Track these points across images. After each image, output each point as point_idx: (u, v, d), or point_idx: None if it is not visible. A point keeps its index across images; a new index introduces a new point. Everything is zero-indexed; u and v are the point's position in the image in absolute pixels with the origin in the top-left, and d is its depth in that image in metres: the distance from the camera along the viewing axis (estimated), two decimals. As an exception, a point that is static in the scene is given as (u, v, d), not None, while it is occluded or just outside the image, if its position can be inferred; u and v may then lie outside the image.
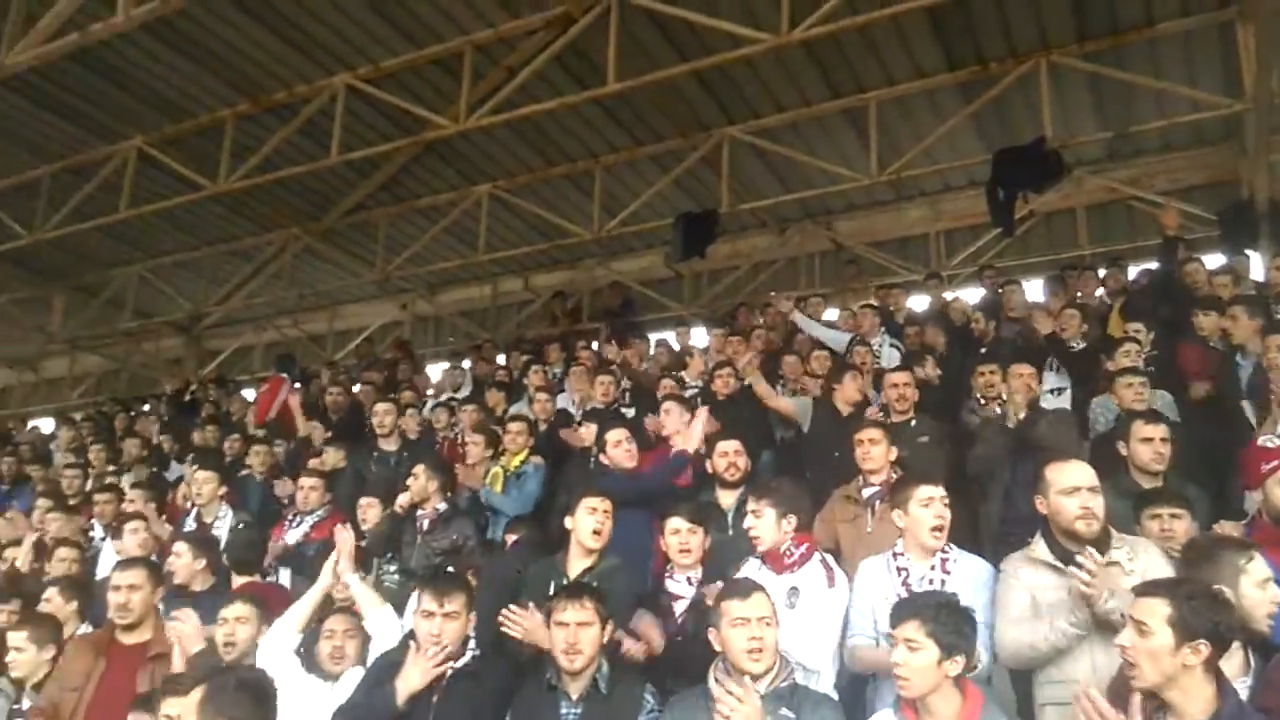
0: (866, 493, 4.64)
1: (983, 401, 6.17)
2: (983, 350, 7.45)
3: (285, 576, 5.84)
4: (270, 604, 4.30)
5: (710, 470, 5.14)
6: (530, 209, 11.68)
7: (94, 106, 10.17)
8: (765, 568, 3.77)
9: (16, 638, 4.26)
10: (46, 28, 7.83)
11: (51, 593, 4.80)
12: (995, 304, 8.52)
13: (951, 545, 3.73)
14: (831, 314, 9.85)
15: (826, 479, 5.25)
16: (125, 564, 4.33)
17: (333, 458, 7.40)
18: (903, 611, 2.87)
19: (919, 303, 9.73)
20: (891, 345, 8.14)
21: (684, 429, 6.00)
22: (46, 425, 14.83)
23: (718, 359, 8.38)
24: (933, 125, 9.75)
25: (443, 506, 5.86)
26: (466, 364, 11.12)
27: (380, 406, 7.48)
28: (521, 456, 6.43)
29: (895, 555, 3.73)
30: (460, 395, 9.48)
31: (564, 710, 3.21)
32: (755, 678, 2.94)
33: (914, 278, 11.29)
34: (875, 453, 4.69)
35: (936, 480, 3.80)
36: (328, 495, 6.35)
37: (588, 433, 6.17)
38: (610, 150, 11.10)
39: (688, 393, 7.46)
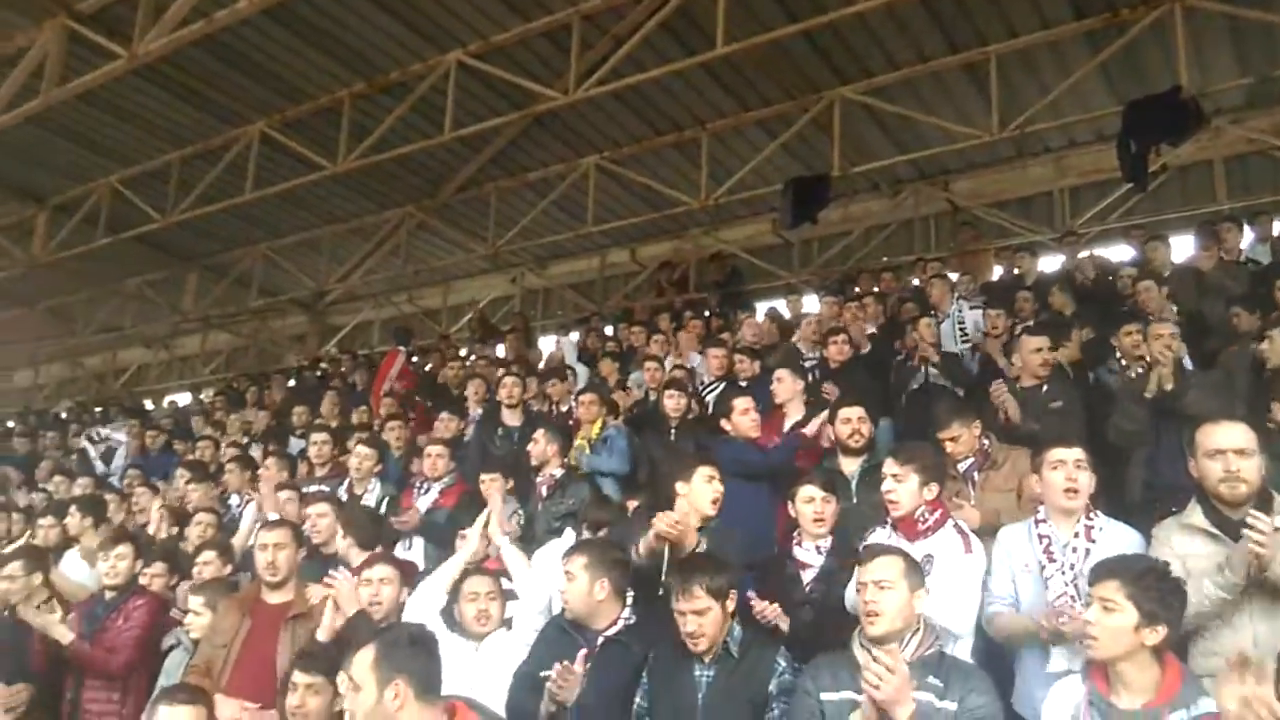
0: (962, 466, 4.50)
1: (1124, 363, 5.90)
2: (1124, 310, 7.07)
3: (418, 545, 5.99)
4: (406, 569, 4.44)
5: (833, 437, 5.06)
6: (637, 179, 11.66)
7: (219, 92, 10.59)
8: (897, 534, 3.68)
9: (195, 601, 4.48)
10: (174, 16, 8.19)
11: (209, 555, 5.05)
12: (1140, 262, 8.11)
13: (1098, 512, 3.58)
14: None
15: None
16: (272, 524, 4.50)
17: (453, 425, 7.59)
18: (1102, 570, 2.77)
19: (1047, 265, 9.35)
20: (973, 307, 7.78)
21: (796, 398, 5.97)
22: (181, 400, 15.72)
23: (831, 325, 8.26)
24: (1058, 77, 9.29)
25: (559, 472, 5.97)
26: (574, 336, 11.19)
27: (508, 379, 7.58)
28: (598, 425, 6.55)
29: (1037, 522, 3.61)
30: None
31: (697, 673, 3.22)
32: (876, 640, 2.88)
33: (1036, 238, 10.85)
34: (963, 439, 4.54)
35: (1070, 442, 3.66)
36: (452, 463, 6.51)
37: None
38: (718, 116, 10.95)
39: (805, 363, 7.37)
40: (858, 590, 2.99)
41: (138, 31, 8.54)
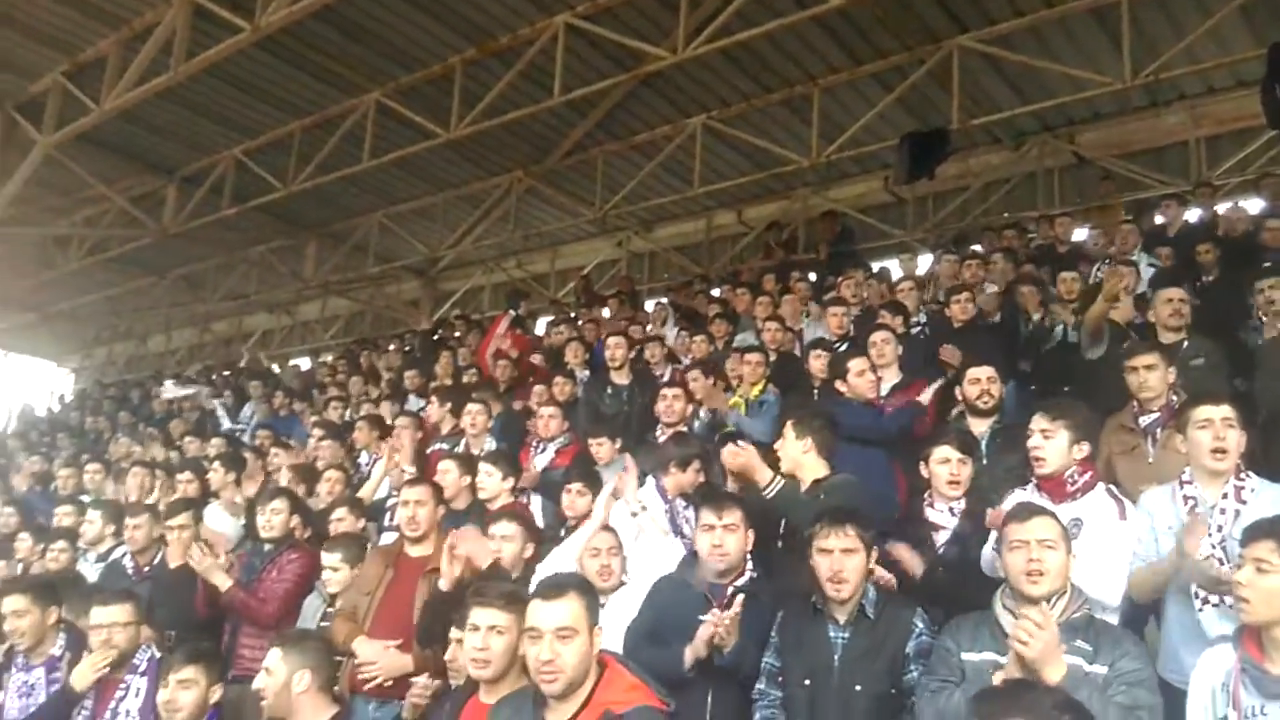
0: (1144, 420, 4.28)
1: (1263, 319, 5.56)
2: (1265, 265, 6.65)
3: (536, 502, 6.10)
4: (530, 526, 4.52)
5: (960, 398, 4.92)
6: (744, 138, 11.50)
7: (336, 62, 10.83)
8: (1041, 495, 3.55)
9: (331, 558, 4.66)
10: (296, -13, 8.39)
11: (342, 512, 5.25)
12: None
13: (1250, 473, 3.40)
14: (1080, 234, 9.14)
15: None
16: (413, 482, 4.64)
17: (567, 389, 7.69)
18: (1258, 530, 2.65)
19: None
20: (1149, 264, 7.48)
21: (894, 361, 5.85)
22: (303, 364, 16.36)
23: (951, 284, 8.02)
24: (1196, 20, 8.77)
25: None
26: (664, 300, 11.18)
27: (612, 340, 7.62)
28: (760, 386, 6.49)
29: (1182, 483, 3.46)
30: (667, 330, 9.58)
31: (832, 634, 3.19)
32: (1036, 602, 2.79)
33: (1170, 190, 10.28)
34: (1153, 379, 4.30)
35: (1219, 399, 3.48)
36: (566, 423, 6.60)
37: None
38: (829, 71, 10.66)
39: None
40: (1012, 549, 2.88)
41: (260, 3, 8.80)
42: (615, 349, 7.50)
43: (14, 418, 16.37)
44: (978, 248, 9.49)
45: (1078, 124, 11.29)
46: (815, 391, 6.28)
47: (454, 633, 3.48)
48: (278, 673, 3.33)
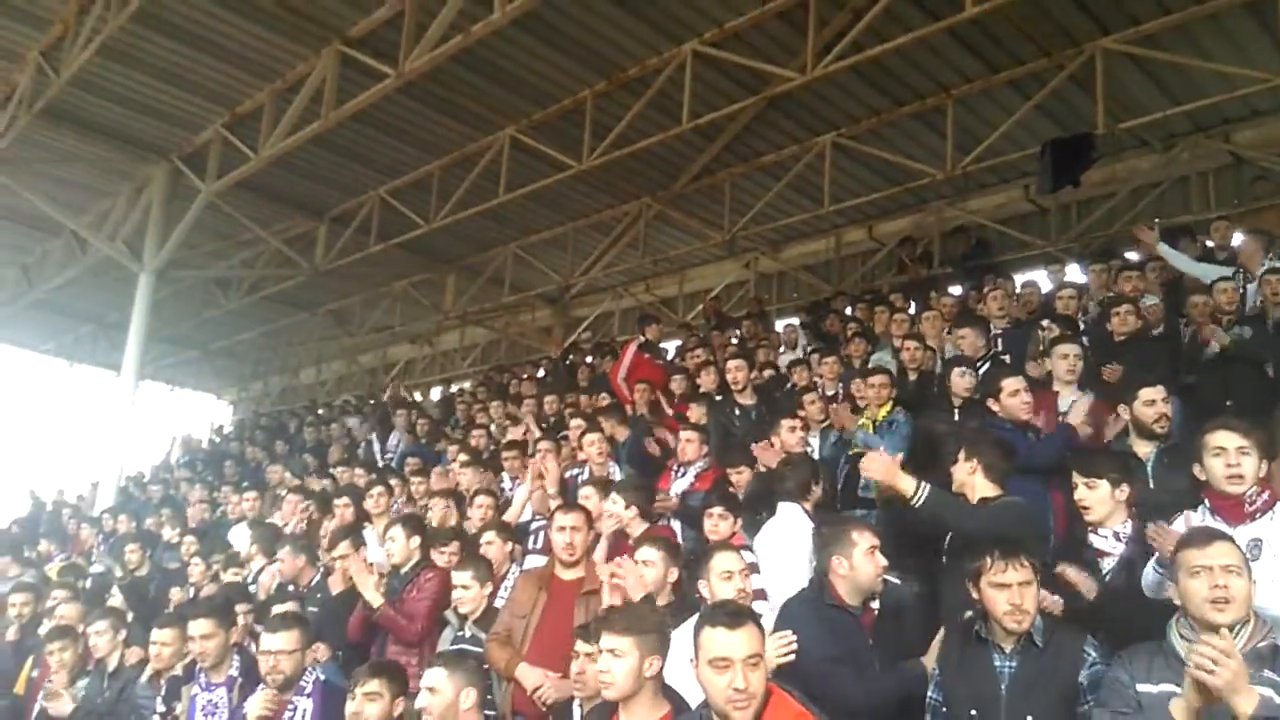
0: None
1: None
2: None
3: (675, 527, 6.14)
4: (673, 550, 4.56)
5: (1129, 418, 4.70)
6: (876, 154, 11.35)
7: (473, 101, 11.26)
8: (1216, 518, 3.36)
9: (462, 577, 4.83)
10: (434, 35, 8.79)
11: (491, 535, 5.41)
12: None
13: None
14: (1239, 239, 8.60)
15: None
16: (568, 508, 4.76)
17: (696, 413, 7.71)
18: None
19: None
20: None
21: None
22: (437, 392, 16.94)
23: (1103, 295, 7.69)
24: (1364, 5, 8.16)
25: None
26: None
27: (732, 363, 7.70)
28: (888, 408, 6.42)
29: None
30: (798, 353, 9.51)
31: (998, 663, 3.08)
32: (1218, 629, 2.63)
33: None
34: None
35: None
36: (704, 448, 6.61)
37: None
38: (963, 81, 10.40)
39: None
40: (1193, 575, 2.75)
41: (403, 51, 9.25)
42: (736, 371, 7.58)
43: (178, 448, 17.57)
44: (1133, 256, 9.02)
45: (1233, 123, 10.62)
46: (956, 411, 6.13)
47: (581, 645, 3.56)
48: (444, 691, 3.45)
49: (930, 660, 3.23)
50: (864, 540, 3.58)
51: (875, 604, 3.61)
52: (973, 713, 3.07)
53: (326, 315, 18.77)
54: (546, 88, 10.94)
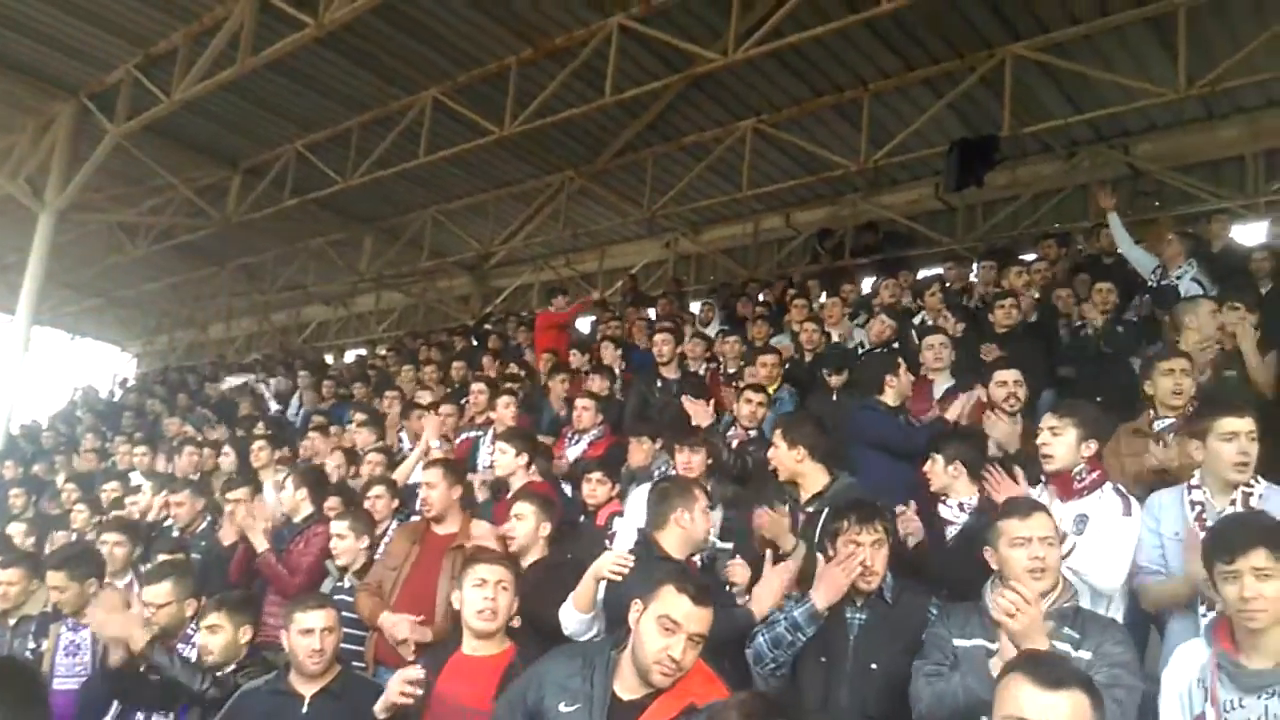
0: (1159, 425, 4.29)
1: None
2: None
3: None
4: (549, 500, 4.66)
5: (986, 399, 4.95)
6: (794, 142, 11.54)
7: (396, 59, 11.11)
8: (1049, 492, 3.59)
9: (339, 526, 4.88)
10: (358, -16, 8.64)
11: (380, 489, 5.44)
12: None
13: (1258, 479, 3.40)
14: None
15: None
16: (430, 464, 4.84)
17: (597, 383, 7.82)
18: (1246, 541, 2.62)
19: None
20: (1193, 279, 7.35)
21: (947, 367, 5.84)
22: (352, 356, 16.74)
23: (991, 291, 8.01)
24: (1254, 30, 8.57)
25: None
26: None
27: (659, 336, 7.81)
28: (774, 386, 6.60)
29: (1190, 488, 3.47)
30: (711, 330, 9.67)
31: (849, 614, 3.23)
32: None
33: (1226, 205, 10.08)
34: (1188, 384, 4.34)
35: (1244, 411, 3.46)
36: (599, 416, 6.73)
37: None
38: (880, 76, 10.64)
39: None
40: (1014, 545, 2.92)
41: (323, 1, 9.08)
42: (662, 345, 7.70)
43: (78, 399, 17.04)
44: (1027, 257, 9.40)
45: (1132, 135, 11.12)
46: (834, 394, 6.34)
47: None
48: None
49: (758, 608, 3.37)
50: (703, 499, 3.73)
51: (696, 559, 3.74)
52: (822, 659, 3.22)
53: (237, 270, 18.32)
54: (471, 50, 10.85)
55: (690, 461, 4.81)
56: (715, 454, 5.02)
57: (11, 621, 4.85)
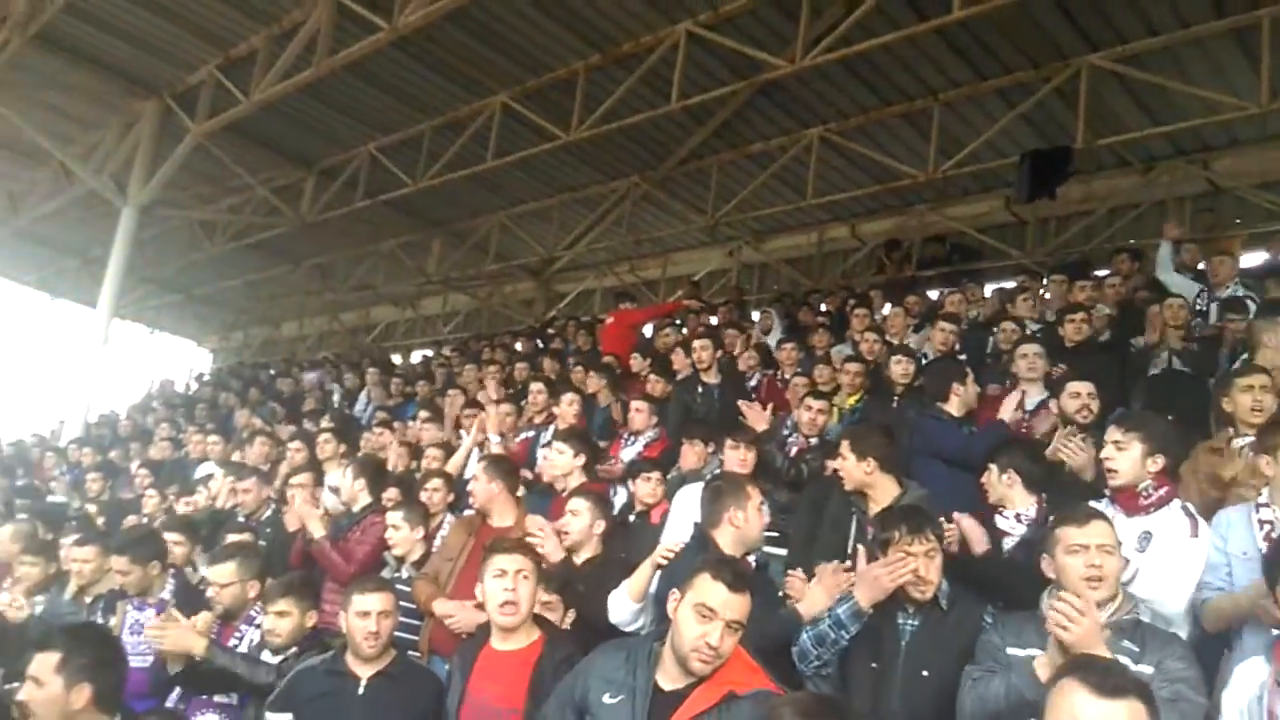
0: (1239, 443, 4.15)
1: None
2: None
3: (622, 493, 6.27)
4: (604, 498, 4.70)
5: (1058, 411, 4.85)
6: (861, 151, 11.44)
7: (467, 64, 11.31)
8: (1114, 507, 3.50)
9: (394, 517, 4.99)
10: (432, -11, 8.83)
11: (436, 482, 5.55)
12: None
13: None
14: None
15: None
16: (481, 459, 4.95)
17: (660, 386, 7.85)
18: None
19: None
20: (1247, 296, 7.09)
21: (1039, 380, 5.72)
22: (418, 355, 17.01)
23: (1061, 305, 7.84)
24: (1345, 42, 8.29)
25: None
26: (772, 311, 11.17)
27: (698, 343, 7.82)
28: (857, 396, 6.60)
29: (1259, 507, 3.37)
30: (772, 339, 9.63)
31: (901, 620, 3.19)
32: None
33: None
34: (1268, 400, 4.21)
35: None
36: (654, 418, 6.75)
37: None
38: (951, 86, 10.49)
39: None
40: (1070, 553, 2.86)
41: (398, 4, 9.30)
42: (701, 350, 7.68)
43: (154, 391, 17.62)
44: (1101, 272, 9.19)
45: (1213, 150, 10.79)
46: (896, 400, 6.27)
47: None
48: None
49: (806, 609, 3.34)
50: (756, 496, 3.72)
51: (751, 559, 3.72)
52: (873, 665, 3.19)
53: (311, 269, 18.78)
54: (541, 56, 10.99)
55: (745, 458, 4.80)
56: (766, 460, 5.00)
57: (88, 599, 5.05)
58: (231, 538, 5.50)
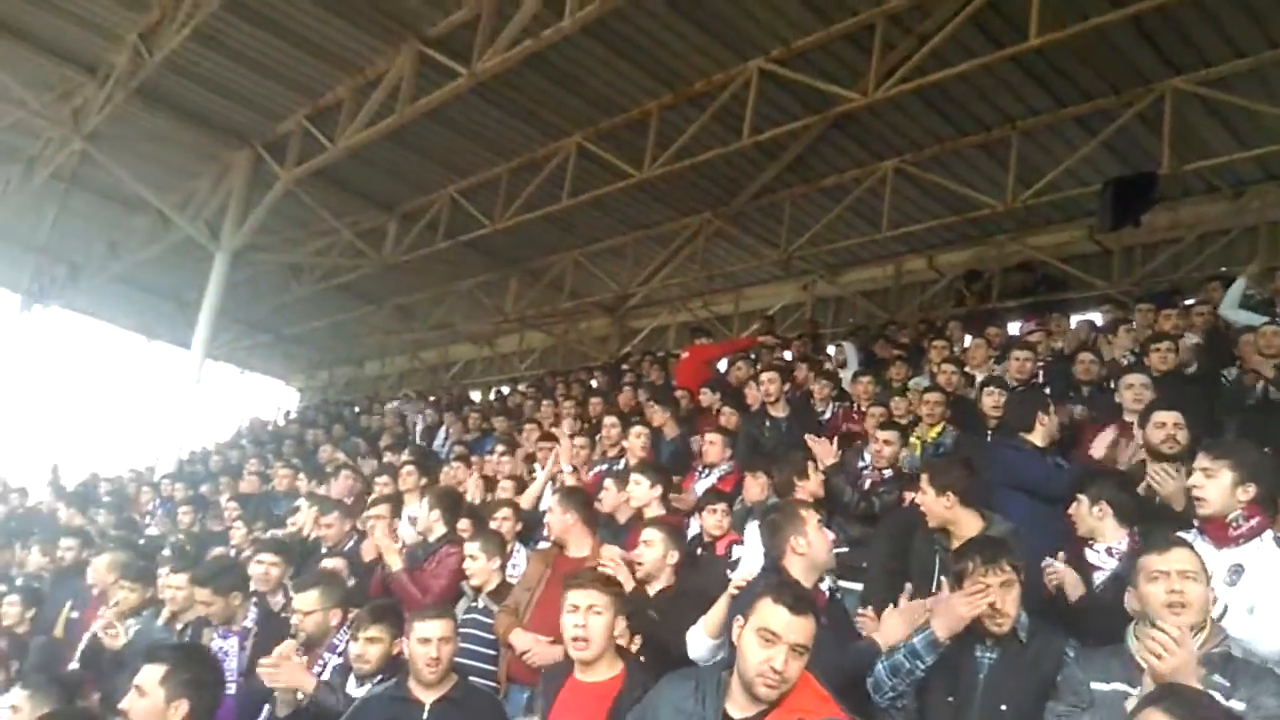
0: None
1: None
2: None
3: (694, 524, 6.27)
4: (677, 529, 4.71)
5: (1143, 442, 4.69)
6: (937, 182, 11.31)
7: (543, 107, 11.58)
8: (1203, 538, 3.36)
9: (471, 548, 5.06)
10: (507, 38, 9.11)
11: (506, 512, 5.62)
12: None
13: None
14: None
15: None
16: (556, 491, 4.99)
17: (734, 420, 7.84)
18: None
19: None
20: None
21: None
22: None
23: (1149, 334, 7.60)
24: None
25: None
26: (847, 344, 11.05)
27: (765, 375, 7.82)
28: (939, 428, 6.50)
29: None
30: (846, 373, 9.52)
31: (979, 653, 3.13)
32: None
33: None
34: None
35: None
36: (727, 451, 6.74)
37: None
38: (1029, 114, 10.35)
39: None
40: (1152, 580, 2.78)
41: (476, 52, 9.59)
42: (769, 384, 7.66)
43: (244, 429, 18.22)
44: (1190, 302, 8.90)
45: (1309, 173, 10.40)
46: (990, 433, 6.14)
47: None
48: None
49: (884, 639, 3.28)
50: (812, 517, 3.67)
51: (825, 585, 3.67)
52: (950, 698, 3.13)
53: (393, 309, 19.28)
54: (614, 97, 11.20)
55: (808, 486, 4.78)
56: (835, 492, 4.95)
57: (178, 625, 5.23)
58: (326, 563, 5.67)
